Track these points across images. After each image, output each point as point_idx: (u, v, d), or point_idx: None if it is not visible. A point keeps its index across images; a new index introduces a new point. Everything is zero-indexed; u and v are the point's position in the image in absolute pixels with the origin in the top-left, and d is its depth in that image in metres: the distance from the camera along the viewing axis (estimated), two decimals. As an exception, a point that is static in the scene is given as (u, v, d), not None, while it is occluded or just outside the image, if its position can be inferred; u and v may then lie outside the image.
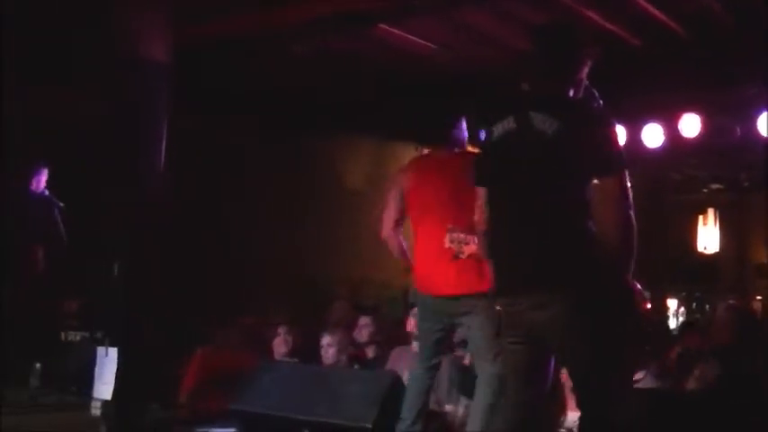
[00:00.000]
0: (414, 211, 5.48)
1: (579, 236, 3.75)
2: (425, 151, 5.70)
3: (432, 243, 5.33)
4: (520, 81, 4.07)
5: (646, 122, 9.34)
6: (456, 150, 5.46)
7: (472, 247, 5.03)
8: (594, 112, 3.93)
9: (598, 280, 3.71)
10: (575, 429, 5.49)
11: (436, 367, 5.55)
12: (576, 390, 3.93)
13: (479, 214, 4.07)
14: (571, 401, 5.73)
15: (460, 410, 6.34)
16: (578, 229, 3.75)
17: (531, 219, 3.80)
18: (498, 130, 3.94)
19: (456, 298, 5.28)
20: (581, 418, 3.89)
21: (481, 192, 4.05)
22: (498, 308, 3.99)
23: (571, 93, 3.97)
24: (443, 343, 5.50)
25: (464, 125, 5.53)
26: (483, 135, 4.22)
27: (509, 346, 3.91)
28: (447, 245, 5.10)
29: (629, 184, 3.77)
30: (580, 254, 3.74)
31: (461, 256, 5.09)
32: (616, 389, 3.87)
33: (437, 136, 5.55)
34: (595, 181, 3.73)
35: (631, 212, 3.72)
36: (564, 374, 5.03)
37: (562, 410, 5.98)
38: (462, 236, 5.05)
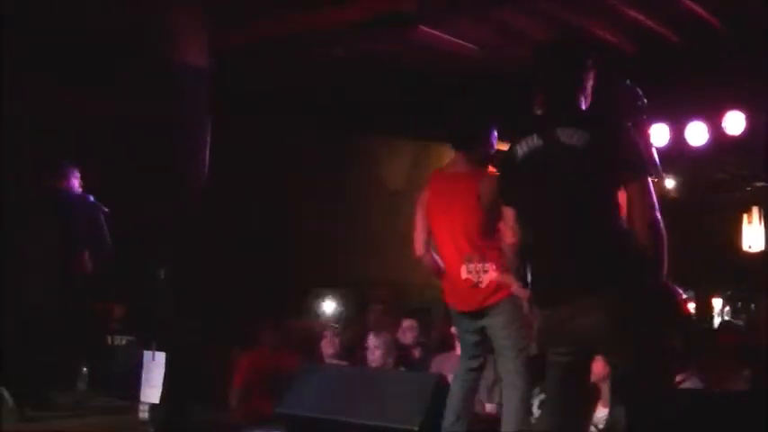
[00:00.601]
0: (435, 233, 5.53)
1: (615, 241, 3.81)
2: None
3: (452, 266, 5.39)
4: (532, 104, 4.13)
5: (689, 121, 9.26)
6: (475, 167, 5.46)
7: (492, 275, 5.09)
8: (615, 120, 4.01)
9: (637, 282, 3.77)
10: (600, 425, 5.50)
11: (478, 369, 5.56)
12: (617, 390, 3.95)
13: (511, 236, 4.11)
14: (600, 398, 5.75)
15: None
16: (614, 234, 3.82)
17: (568, 230, 3.85)
18: (522, 148, 3.99)
19: (474, 313, 5.34)
20: (625, 416, 3.92)
21: (510, 212, 4.09)
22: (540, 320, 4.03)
23: (582, 103, 4.03)
24: (482, 344, 5.51)
25: (495, 135, 5.55)
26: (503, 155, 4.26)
27: (553, 357, 3.95)
28: (464, 275, 5.14)
29: (652, 188, 3.85)
30: (618, 257, 3.80)
31: (480, 285, 5.13)
32: (657, 389, 3.89)
33: (466, 144, 5.55)
34: (623, 186, 3.82)
35: (658, 214, 3.78)
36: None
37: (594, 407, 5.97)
38: (480, 265, 5.10)
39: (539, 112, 4.10)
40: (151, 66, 7.51)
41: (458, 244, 5.28)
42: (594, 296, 3.76)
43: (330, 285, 9.83)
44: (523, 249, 4.06)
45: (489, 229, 5.10)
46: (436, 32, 8.48)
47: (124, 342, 9.01)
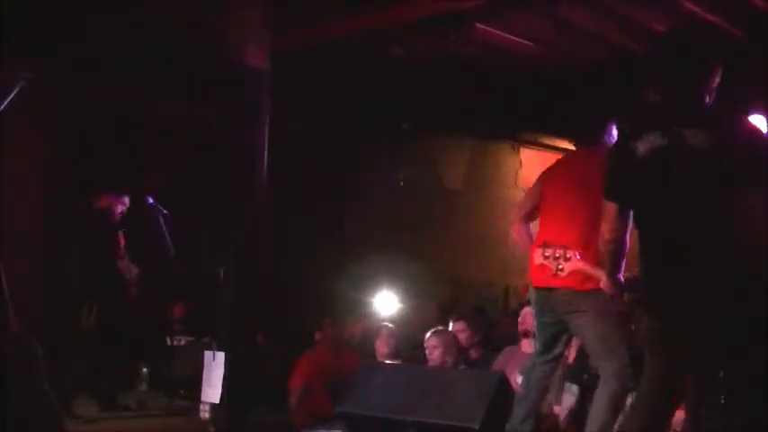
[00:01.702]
0: (542, 209, 5.50)
1: (747, 250, 3.70)
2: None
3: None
4: (645, 89, 4.03)
5: (752, 113, 9.08)
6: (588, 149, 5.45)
7: (575, 263, 4.89)
8: (742, 122, 3.90)
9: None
10: (677, 428, 5.40)
11: (554, 362, 5.48)
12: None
13: (608, 231, 4.02)
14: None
15: (564, 412, 6.25)
16: (746, 242, 3.71)
17: (699, 236, 3.74)
18: (644, 145, 3.85)
19: (556, 290, 5.23)
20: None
21: (612, 208, 4.00)
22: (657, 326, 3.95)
23: (707, 100, 3.91)
24: (561, 337, 5.42)
25: (614, 131, 5.50)
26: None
27: (655, 365, 3.88)
28: (540, 261, 5.02)
29: None
30: (751, 268, 3.68)
31: (561, 273, 4.97)
32: None
33: (586, 136, 5.55)
34: (748, 192, 3.71)
35: None
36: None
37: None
38: (561, 252, 4.93)
39: (654, 98, 3.98)
40: (212, 66, 7.53)
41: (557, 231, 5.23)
42: (723, 316, 3.68)
43: (388, 284, 9.79)
44: (647, 252, 3.92)
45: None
46: (493, 30, 8.42)
47: (183, 342, 9.10)
